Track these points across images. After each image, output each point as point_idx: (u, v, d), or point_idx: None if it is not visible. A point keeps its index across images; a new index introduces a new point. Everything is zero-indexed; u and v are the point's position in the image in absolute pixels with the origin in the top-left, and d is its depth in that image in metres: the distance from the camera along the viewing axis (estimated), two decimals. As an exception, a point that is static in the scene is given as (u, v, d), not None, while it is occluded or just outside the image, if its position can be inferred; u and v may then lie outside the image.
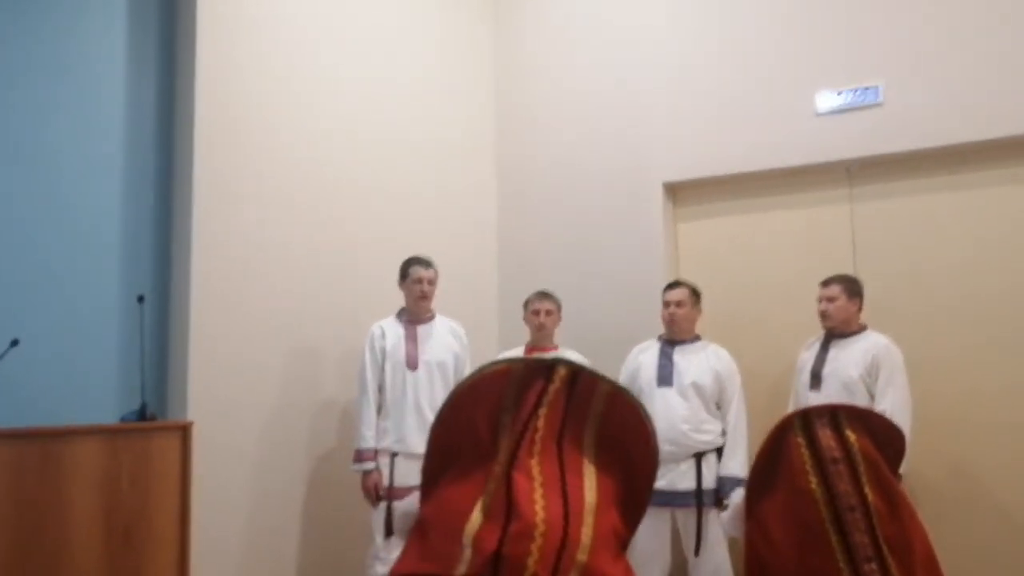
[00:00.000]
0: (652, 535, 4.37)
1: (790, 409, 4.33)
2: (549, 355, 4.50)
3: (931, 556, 3.41)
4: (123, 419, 3.78)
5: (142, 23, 4.50)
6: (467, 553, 2.80)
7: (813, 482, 3.41)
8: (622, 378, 4.70)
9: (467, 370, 4.63)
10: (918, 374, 4.39)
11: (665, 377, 4.54)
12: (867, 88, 4.86)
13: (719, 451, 4.44)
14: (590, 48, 5.74)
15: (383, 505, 4.36)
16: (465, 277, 5.46)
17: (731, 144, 5.20)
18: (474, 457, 3.03)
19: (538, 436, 3.00)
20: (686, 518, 4.41)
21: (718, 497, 4.32)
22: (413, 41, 5.60)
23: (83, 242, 4.18)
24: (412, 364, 4.53)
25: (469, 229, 5.79)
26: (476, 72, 6.00)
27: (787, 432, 3.55)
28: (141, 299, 3.89)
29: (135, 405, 3.79)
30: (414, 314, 4.65)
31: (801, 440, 3.50)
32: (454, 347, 4.69)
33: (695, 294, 4.68)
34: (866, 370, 4.28)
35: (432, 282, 4.64)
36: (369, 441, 4.42)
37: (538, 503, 2.85)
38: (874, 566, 3.23)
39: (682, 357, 4.58)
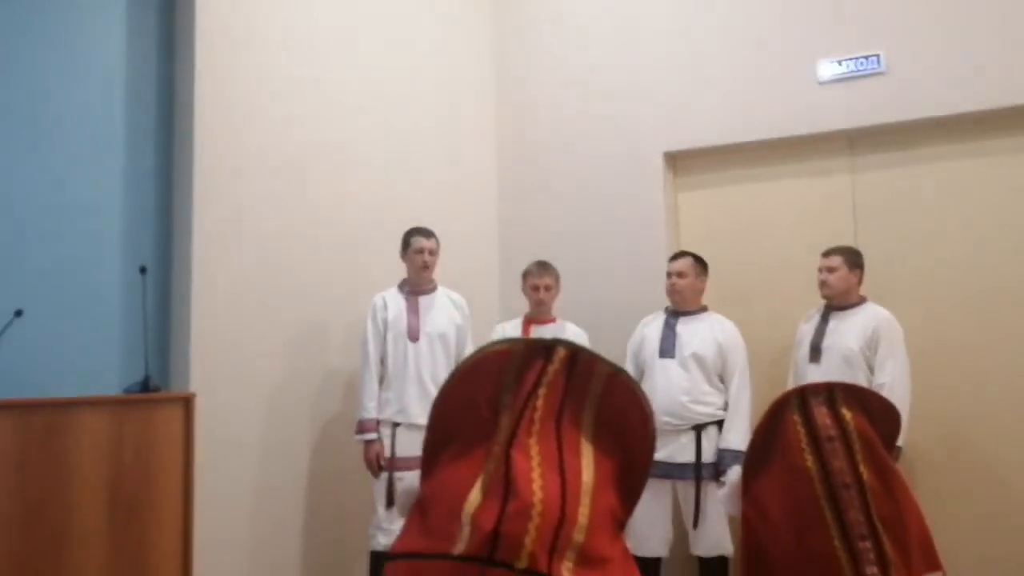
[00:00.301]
0: (652, 507, 4.39)
1: (789, 382, 4.37)
2: (548, 331, 4.55)
3: (925, 533, 3.45)
4: (126, 391, 3.80)
5: (141, -1, 4.47)
6: (466, 531, 2.82)
7: (809, 460, 3.43)
8: (629, 350, 4.72)
9: (468, 341, 4.67)
10: (919, 346, 4.41)
11: (667, 349, 4.55)
12: (868, 57, 4.83)
13: (721, 424, 4.45)
14: (590, 18, 5.69)
15: (384, 475, 4.41)
16: (465, 247, 5.46)
17: (732, 114, 5.18)
18: (474, 436, 3.04)
19: (537, 416, 3.02)
20: (686, 490, 4.44)
21: (718, 470, 4.34)
22: (414, 14, 5.56)
23: (85, 214, 4.17)
24: (413, 335, 4.55)
25: (469, 199, 5.78)
26: (476, 43, 5.96)
27: (784, 410, 3.58)
28: (143, 270, 3.90)
29: (138, 377, 3.81)
30: (416, 285, 4.66)
31: (797, 418, 3.53)
32: (456, 318, 4.70)
33: (699, 264, 4.67)
34: (866, 343, 4.30)
35: (433, 252, 4.65)
36: (371, 412, 4.46)
37: (536, 482, 2.87)
38: (868, 544, 3.27)
39: (685, 328, 4.58)
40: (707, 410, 4.45)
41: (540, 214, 5.75)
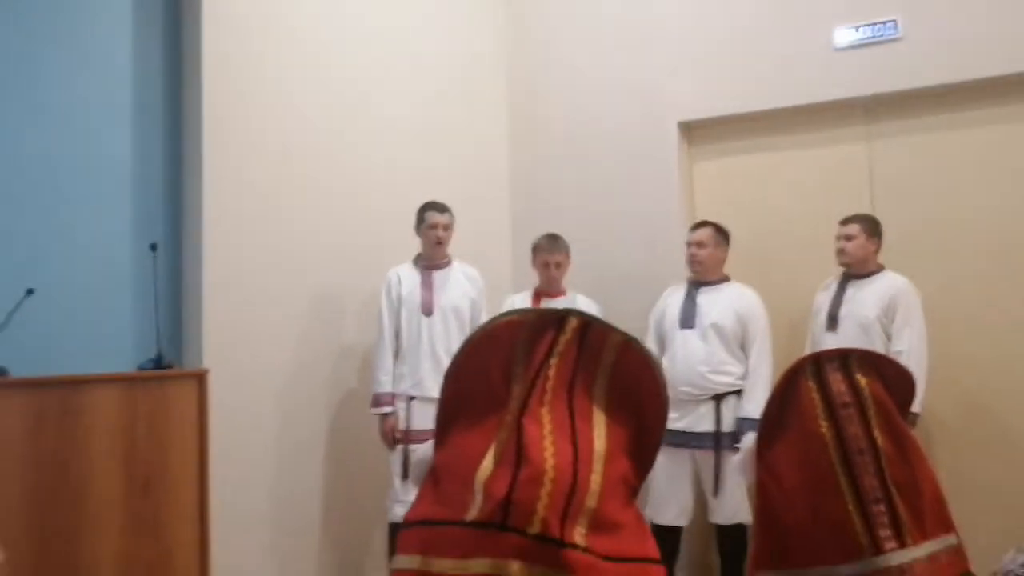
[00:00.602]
0: (671, 476, 4.43)
1: (807, 351, 4.33)
2: (558, 303, 4.53)
3: (940, 499, 3.44)
4: (140, 368, 3.82)
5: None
6: (478, 498, 2.84)
7: (823, 426, 3.42)
8: (651, 320, 4.71)
9: (483, 315, 4.66)
10: (936, 314, 4.38)
11: (687, 319, 4.54)
12: (885, 22, 4.75)
13: (740, 394, 4.43)
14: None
15: (400, 448, 4.44)
16: (477, 219, 5.43)
17: (747, 81, 5.11)
18: (487, 405, 3.04)
19: (549, 385, 3.01)
20: (705, 460, 4.44)
21: (736, 440, 4.32)
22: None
23: (95, 192, 4.20)
24: (427, 310, 4.55)
25: (481, 170, 5.75)
26: (488, 10, 5.89)
27: (798, 376, 3.56)
28: (154, 247, 3.90)
29: (151, 354, 3.82)
30: (430, 259, 4.66)
31: (812, 384, 3.51)
32: (470, 292, 4.70)
33: (720, 234, 4.63)
34: (883, 311, 4.27)
35: (447, 227, 4.63)
36: (386, 386, 4.49)
37: (548, 450, 2.88)
38: (882, 507, 3.26)
39: (706, 299, 4.56)
40: (726, 380, 4.44)
41: (553, 185, 5.71)
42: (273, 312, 4.58)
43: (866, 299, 4.32)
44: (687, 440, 4.41)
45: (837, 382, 3.47)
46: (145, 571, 3.57)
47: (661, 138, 5.35)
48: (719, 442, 4.38)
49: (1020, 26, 4.46)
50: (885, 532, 3.22)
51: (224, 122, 4.43)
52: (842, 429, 3.39)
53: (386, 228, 5.03)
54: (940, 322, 4.41)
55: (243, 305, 4.45)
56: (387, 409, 4.48)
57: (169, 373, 3.80)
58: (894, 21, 4.74)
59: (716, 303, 4.53)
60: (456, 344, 4.35)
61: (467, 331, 4.53)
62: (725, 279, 4.65)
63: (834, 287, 4.48)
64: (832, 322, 4.37)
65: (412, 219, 4.69)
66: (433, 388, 4.24)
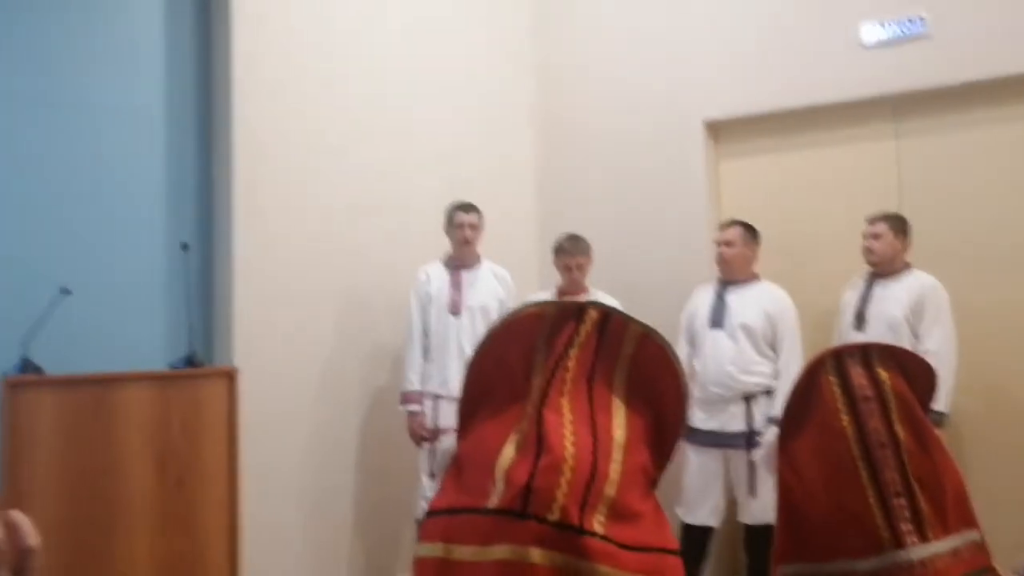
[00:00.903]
0: (703, 475, 4.44)
1: (834, 351, 4.32)
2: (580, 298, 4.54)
3: (962, 493, 3.41)
4: (171, 366, 3.87)
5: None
6: (499, 486, 2.87)
7: (844, 420, 3.41)
8: (682, 320, 4.71)
9: (511, 316, 4.67)
10: (965, 313, 4.33)
11: (717, 319, 4.53)
12: (912, 19, 4.72)
13: (771, 393, 4.40)
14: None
15: (427, 446, 4.48)
16: (504, 219, 5.45)
17: (774, 80, 5.09)
18: (508, 396, 3.09)
19: (568, 376, 3.05)
20: (736, 459, 4.43)
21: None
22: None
23: (127, 193, 4.27)
24: (455, 309, 4.59)
25: (509, 170, 5.76)
26: (516, 9, 5.92)
27: (819, 371, 3.55)
28: (185, 247, 3.96)
29: (182, 352, 3.87)
30: (459, 259, 4.70)
31: (833, 379, 3.50)
32: (499, 292, 4.73)
33: (748, 233, 4.62)
34: (911, 309, 4.24)
35: (474, 227, 4.66)
36: (414, 384, 4.55)
37: (567, 439, 2.91)
38: (903, 501, 3.25)
39: (735, 298, 4.55)
40: (756, 380, 4.43)
41: (579, 185, 5.73)
42: (303, 310, 4.64)
43: (893, 298, 4.29)
44: (719, 440, 4.42)
45: (858, 376, 3.46)
46: (178, 565, 3.61)
47: (687, 137, 5.35)
48: (750, 442, 4.37)
49: (1049, 23, 4.43)
50: (906, 526, 3.21)
51: (254, 122, 4.48)
52: (863, 423, 3.38)
53: (416, 226, 5.05)
54: (969, 321, 4.37)
55: (273, 304, 4.51)
56: (414, 407, 4.53)
57: (200, 371, 3.85)
58: (922, 18, 4.70)
59: (745, 303, 4.52)
60: (482, 344, 4.42)
61: (494, 332, 4.57)
62: (755, 278, 4.63)
63: (861, 286, 4.45)
64: (859, 321, 4.35)
65: (442, 218, 4.73)
66: (459, 387, 4.28)
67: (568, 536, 2.76)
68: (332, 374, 4.75)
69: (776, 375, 4.42)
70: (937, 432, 3.61)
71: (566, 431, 2.92)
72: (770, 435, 3.95)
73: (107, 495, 3.47)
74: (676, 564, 2.95)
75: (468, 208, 4.67)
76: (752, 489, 4.36)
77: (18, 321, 3.53)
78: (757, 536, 4.42)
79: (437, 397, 4.52)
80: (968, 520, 3.37)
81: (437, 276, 4.67)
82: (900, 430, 3.35)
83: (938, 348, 4.13)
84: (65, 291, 3.63)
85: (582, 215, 5.44)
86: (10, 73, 3.97)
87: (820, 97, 4.98)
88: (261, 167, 4.50)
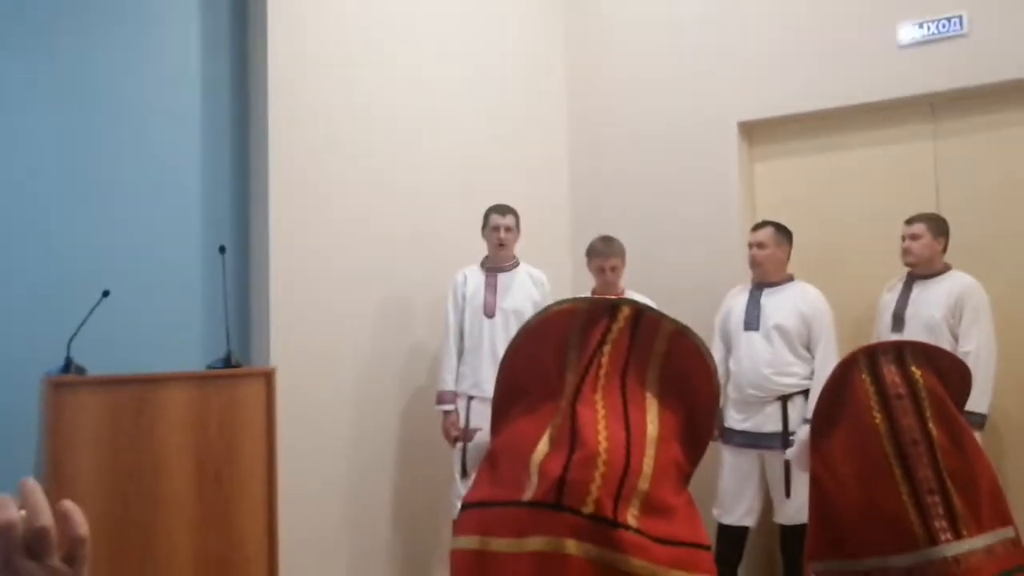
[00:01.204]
0: (739, 476, 4.46)
1: (873, 352, 4.28)
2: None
3: (997, 489, 3.38)
4: (209, 367, 3.92)
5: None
6: (534, 479, 2.90)
7: (878, 418, 3.38)
8: (716, 322, 4.71)
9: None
10: (1004, 314, 4.29)
11: (751, 321, 4.53)
12: (950, 19, 4.69)
13: (807, 393, 4.39)
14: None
15: (460, 446, 4.52)
16: (538, 222, 5.47)
17: (809, 80, 5.08)
18: (542, 393, 3.11)
19: (602, 372, 3.07)
20: (773, 460, 4.43)
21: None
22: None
23: (165, 197, 4.34)
24: (489, 312, 4.62)
25: (543, 173, 5.79)
26: (548, 13, 5.95)
27: (852, 368, 3.53)
28: (223, 249, 4.01)
29: (220, 353, 3.92)
30: (495, 262, 4.73)
31: (866, 376, 3.48)
32: (534, 295, 4.75)
33: (780, 234, 4.60)
34: (950, 311, 4.21)
35: (510, 229, 4.70)
36: (448, 384, 4.61)
37: (601, 433, 2.93)
38: (937, 498, 3.22)
39: (769, 300, 4.55)
40: (791, 381, 4.42)
41: (613, 187, 5.74)
42: (340, 312, 4.69)
43: (932, 299, 4.26)
44: (754, 441, 4.43)
45: (891, 374, 3.44)
46: (216, 562, 3.67)
47: (721, 139, 5.35)
48: (786, 443, 4.36)
49: (1089, 20, 4.38)
50: (940, 523, 3.18)
51: (290, 125, 4.54)
52: (896, 420, 3.36)
53: (453, 228, 5.10)
54: (1008, 322, 4.33)
55: (310, 305, 4.56)
56: (449, 407, 4.59)
57: (238, 372, 3.90)
58: (959, 17, 4.67)
59: (780, 304, 4.51)
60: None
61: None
62: (789, 279, 4.62)
63: (899, 287, 4.42)
64: (898, 322, 4.32)
65: (479, 220, 4.76)
66: (491, 388, 4.30)
67: (602, 528, 2.79)
68: (369, 374, 4.80)
69: (811, 375, 4.40)
70: (975, 433, 3.57)
71: (600, 426, 2.94)
72: (803, 433, 3.94)
73: (147, 493, 3.52)
74: (708, 559, 2.96)
75: (504, 211, 4.70)
76: (787, 490, 4.34)
77: (61, 323, 3.60)
78: (793, 537, 4.40)
79: (470, 398, 4.57)
80: (1003, 517, 3.33)
81: (474, 278, 4.72)
82: (933, 427, 3.32)
83: (978, 349, 4.10)
84: (106, 293, 3.69)
85: (615, 218, 5.45)
86: (55, 80, 4.05)
87: (856, 97, 4.96)
88: (297, 170, 4.56)
